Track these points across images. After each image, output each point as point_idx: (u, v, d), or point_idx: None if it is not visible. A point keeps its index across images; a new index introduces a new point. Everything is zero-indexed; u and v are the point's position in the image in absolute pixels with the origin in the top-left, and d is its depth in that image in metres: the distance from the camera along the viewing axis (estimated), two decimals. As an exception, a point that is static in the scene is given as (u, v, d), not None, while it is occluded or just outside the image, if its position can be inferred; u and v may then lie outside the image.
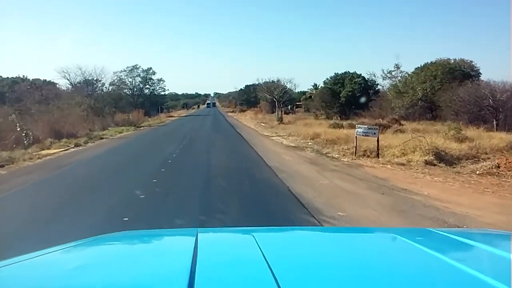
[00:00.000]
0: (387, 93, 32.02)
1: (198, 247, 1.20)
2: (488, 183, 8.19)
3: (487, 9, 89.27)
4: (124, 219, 5.65)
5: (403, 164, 10.43)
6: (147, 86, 57.40)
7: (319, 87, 41.58)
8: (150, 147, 17.35)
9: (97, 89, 43.82)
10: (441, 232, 1.52)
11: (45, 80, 39.63)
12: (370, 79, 35.56)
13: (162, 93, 62.15)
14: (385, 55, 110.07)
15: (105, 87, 45.82)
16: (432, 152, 11.03)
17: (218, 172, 9.95)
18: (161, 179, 8.89)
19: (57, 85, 39.79)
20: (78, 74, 42.08)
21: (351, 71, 35.75)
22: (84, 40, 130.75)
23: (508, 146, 12.37)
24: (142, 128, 32.96)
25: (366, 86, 34.36)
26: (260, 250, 1.15)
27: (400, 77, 32.28)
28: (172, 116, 56.84)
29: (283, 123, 30.10)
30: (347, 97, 33.12)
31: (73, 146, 17.44)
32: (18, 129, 16.21)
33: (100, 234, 1.67)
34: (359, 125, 13.50)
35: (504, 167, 9.43)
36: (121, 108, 39.97)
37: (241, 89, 78.04)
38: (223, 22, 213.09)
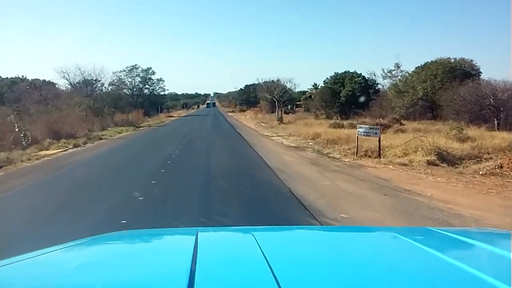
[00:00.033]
0: (388, 92, 31.94)
1: (198, 246, 1.20)
2: (492, 184, 8.09)
3: (487, 9, 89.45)
4: (122, 221, 5.55)
5: (405, 164, 10.32)
6: (147, 86, 57.46)
7: (319, 87, 41.52)
8: (150, 148, 17.26)
9: (96, 89, 43.64)
10: (441, 231, 1.51)
11: (44, 80, 39.63)
12: (370, 78, 35.54)
13: (162, 93, 62.24)
14: (385, 55, 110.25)
15: (105, 87, 45.72)
16: (434, 152, 10.93)
17: (218, 172, 9.84)
18: (161, 180, 8.80)
19: (56, 85, 39.73)
20: (78, 74, 41.89)
21: (351, 71, 35.73)
22: (84, 40, 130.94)
23: (511, 146, 12.25)
24: (141, 128, 32.80)
25: (366, 86, 34.30)
26: (260, 249, 1.14)
27: (401, 76, 32.25)
28: (171, 116, 56.72)
29: (283, 123, 30.00)
30: (347, 96, 33.04)
31: (71, 146, 17.32)
32: (17, 129, 16.13)
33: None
34: (360, 125, 13.42)
35: (507, 167, 9.32)
36: (120, 108, 39.86)
37: (241, 89, 78.15)
38: (223, 22, 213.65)
